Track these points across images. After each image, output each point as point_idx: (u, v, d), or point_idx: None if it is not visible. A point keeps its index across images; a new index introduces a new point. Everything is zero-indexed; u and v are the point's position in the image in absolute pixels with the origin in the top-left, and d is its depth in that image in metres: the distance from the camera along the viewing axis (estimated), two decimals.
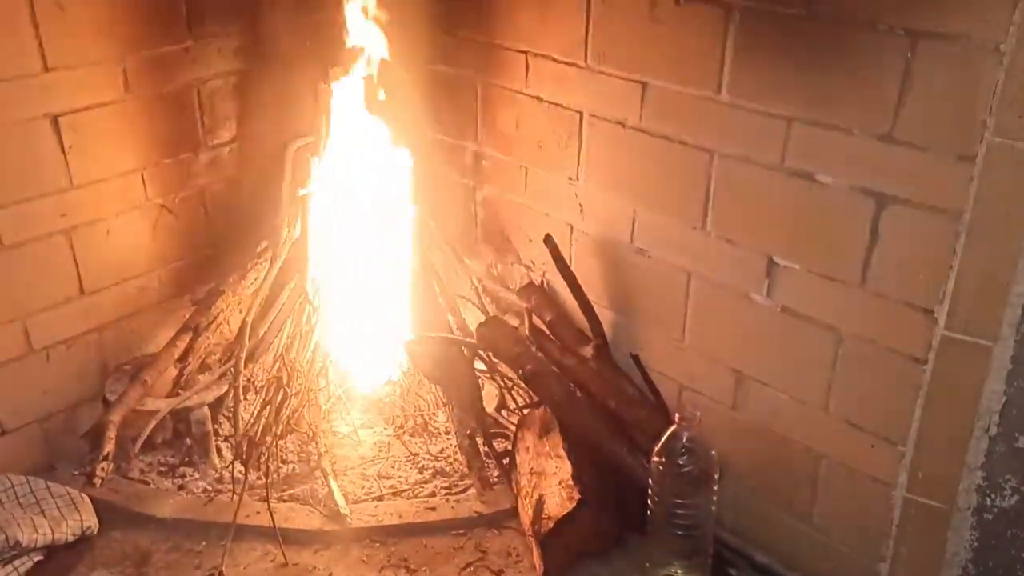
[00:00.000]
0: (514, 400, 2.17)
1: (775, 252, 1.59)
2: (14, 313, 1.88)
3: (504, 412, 2.17)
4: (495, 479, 1.95)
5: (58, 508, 1.82)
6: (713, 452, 1.56)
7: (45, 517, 1.79)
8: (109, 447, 1.86)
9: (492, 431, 2.06)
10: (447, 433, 2.10)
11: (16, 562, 1.71)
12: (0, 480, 1.86)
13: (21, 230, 1.85)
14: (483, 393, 2.13)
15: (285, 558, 1.76)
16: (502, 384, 2.19)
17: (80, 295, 1.99)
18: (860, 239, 1.45)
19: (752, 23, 1.52)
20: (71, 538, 1.78)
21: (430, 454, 2.05)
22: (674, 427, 1.54)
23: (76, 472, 1.94)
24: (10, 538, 1.71)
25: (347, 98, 2.11)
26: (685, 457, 1.53)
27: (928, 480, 1.46)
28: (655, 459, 1.54)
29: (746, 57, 1.55)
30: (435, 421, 2.15)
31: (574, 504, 1.67)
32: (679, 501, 1.55)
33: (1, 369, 1.88)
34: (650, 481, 1.58)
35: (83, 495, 1.86)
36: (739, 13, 1.53)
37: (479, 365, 2.19)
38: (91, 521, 1.82)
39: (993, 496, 1.40)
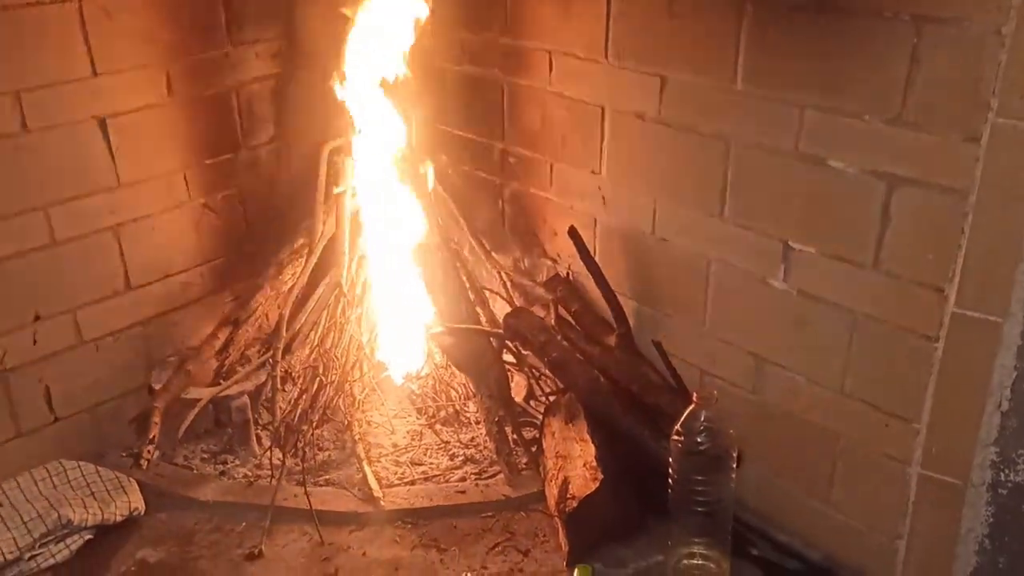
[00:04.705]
0: (542, 389, 2.22)
1: (791, 237, 1.63)
2: (66, 305, 1.98)
3: (532, 402, 2.22)
4: (523, 465, 2.00)
5: (107, 491, 1.91)
6: (731, 431, 1.59)
7: (95, 499, 1.88)
8: (155, 431, 1.94)
9: (520, 420, 2.11)
10: (477, 423, 2.16)
11: (68, 540, 1.80)
12: (53, 464, 1.96)
13: (72, 226, 1.94)
14: (512, 384, 2.19)
15: (321, 538, 1.83)
16: (530, 375, 2.25)
17: (127, 289, 2.08)
18: (872, 221, 1.48)
19: (765, 14, 1.56)
20: (119, 518, 1.86)
21: (460, 442, 2.11)
22: (692, 406, 1.57)
23: (124, 454, 2.03)
24: (62, 517, 1.79)
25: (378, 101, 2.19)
26: (704, 436, 1.57)
27: (942, 456, 1.48)
28: (674, 437, 1.58)
29: (760, 47, 1.59)
30: (466, 411, 2.21)
31: (598, 484, 1.71)
32: (698, 479, 1.58)
33: (54, 359, 1.98)
34: (670, 460, 1.62)
35: (131, 479, 1.95)
36: (752, 5, 1.57)
37: (508, 357, 2.25)
38: (138, 503, 1.90)
39: (1007, 471, 1.42)
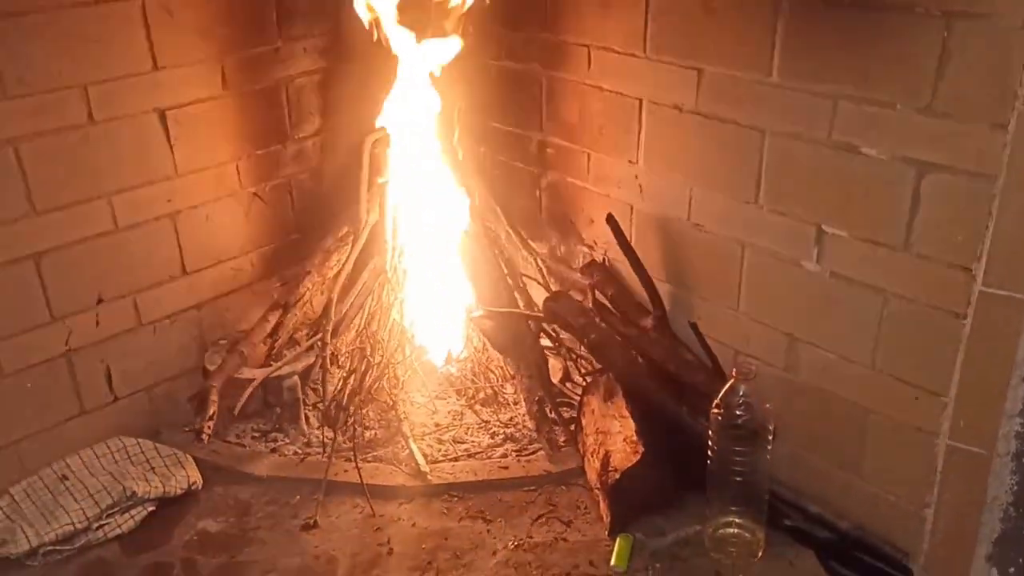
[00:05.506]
0: (578, 371, 2.30)
1: (824, 221, 1.71)
2: (126, 289, 2.06)
3: (568, 384, 2.29)
4: (562, 443, 2.07)
5: (166, 466, 2.01)
6: (768, 405, 1.67)
7: (156, 473, 1.98)
8: (213, 408, 2.04)
9: (558, 400, 2.18)
10: (515, 403, 2.23)
11: (133, 511, 1.90)
12: (114, 441, 2.05)
13: (134, 213, 2.03)
14: (549, 366, 2.27)
15: (372, 510, 1.92)
16: (566, 357, 2.33)
17: (183, 274, 2.17)
18: (903, 205, 1.56)
19: (800, 9, 1.64)
20: (179, 492, 1.95)
21: (500, 422, 2.19)
22: (732, 381, 1.66)
23: (186, 429, 2.11)
24: (127, 489, 1.89)
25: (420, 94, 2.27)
26: (742, 409, 1.65)
27: (969, 428, 1.54)
28: (714, 410, 1.66)
29: (795, 41, 1.67)
30: (504, 392, 2.29)
31: (639, 456, 1.79)
32: (736, 450, 1.67)
33: (115, 340, 2.06)
34: (710, 432, 1.70)
35: (187, 455, 2.04)
36: (787, 1, 1.65)
37: (545, 342, 2.33)
38: (196, 477, 1.99)
39: None
